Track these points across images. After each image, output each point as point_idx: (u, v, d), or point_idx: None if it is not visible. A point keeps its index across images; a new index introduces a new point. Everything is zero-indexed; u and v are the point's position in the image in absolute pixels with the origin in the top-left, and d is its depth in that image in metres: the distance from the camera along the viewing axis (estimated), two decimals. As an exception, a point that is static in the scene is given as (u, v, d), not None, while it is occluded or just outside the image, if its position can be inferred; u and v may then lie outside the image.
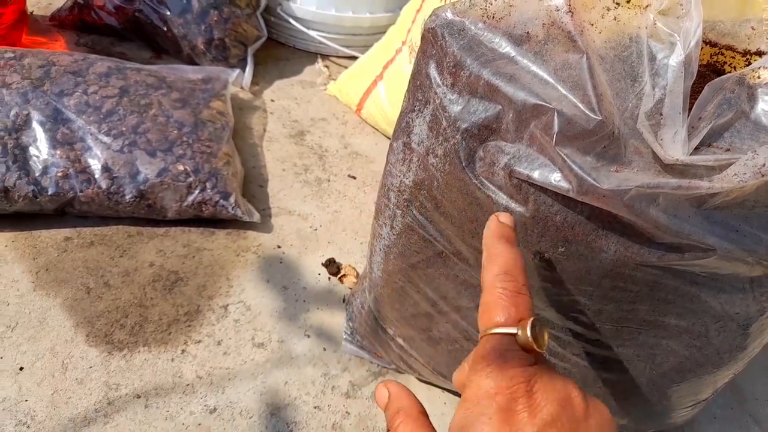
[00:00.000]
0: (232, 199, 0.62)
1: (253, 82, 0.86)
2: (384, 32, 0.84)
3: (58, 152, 0.58)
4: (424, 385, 0.54)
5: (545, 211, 0.32)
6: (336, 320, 0.57)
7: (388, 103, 0.75)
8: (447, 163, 0.36)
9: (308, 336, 0.56)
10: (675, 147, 0.30)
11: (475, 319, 0.41)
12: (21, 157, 0.58)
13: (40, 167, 0.57)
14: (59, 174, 0.58)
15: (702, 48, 0.38)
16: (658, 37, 0.31)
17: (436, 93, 0.36)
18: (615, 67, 0.32)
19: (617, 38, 0.32)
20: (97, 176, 0.58)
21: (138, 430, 0.46)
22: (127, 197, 0.59)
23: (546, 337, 0.26)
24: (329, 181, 0.73)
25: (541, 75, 0.32)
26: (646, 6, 0.32)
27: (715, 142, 0.31)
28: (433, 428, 0.27)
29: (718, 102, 0.31)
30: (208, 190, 0.61)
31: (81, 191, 0.58)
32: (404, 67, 0.72)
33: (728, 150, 0.31)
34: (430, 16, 0.36)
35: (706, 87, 0.31)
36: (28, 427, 0.46)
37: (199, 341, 0.53)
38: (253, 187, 0.70)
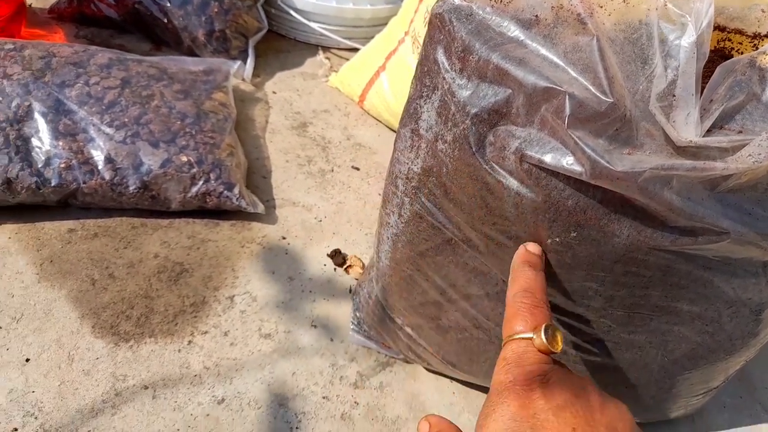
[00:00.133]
0: (236, 190, 0.61)
1: (255, 74, 0.86)
2: (385, 24, 0.83)
3: (61, 143, 0.58)
4: (432, 375, 0.53)
5: (557, 196, 0.32)
6: (342, 311, 0.57)
7: (391, 94, 0.74)
8: (456, 148, 0.35)
9: (315, 326, 0.55)
10: (688, 129, 0.29)
11: (485, 307, 0.41)
12: (23, 149, 0.57)
13: (43, 158, 0.57)
14: (62, 165, 0.57)
15: (711, 32, 0.38)
16: (669, 18, 0.30)
17: (444, 78, 0.36)
18: (625, 50, 0.32)
19: (627, 20, 0.32)
20: (100, 167, 0.58)
21: (146, 421, 0.46)
22: (131, 188, 0.59)
23: (559, 339, 0.29)
24: (333, 172, 0.73)
25: (551, 58, 0.32)
26: (658, -13, 0.31)
27: (726, 125, 0.31)
28: None
29: (729, 84, 0.31)
30: (212, 181, 0.61)
31: (84, 182, 0.58)
32: (407, 57, 0.71)
33: (740, 132, 0.31)
34: (437, 1, 0.36)
35: (717, 69, 0.30)
36: (36, 418, 0.45)
37: (206, 332, 0.53)
38: (257, 178, 0.70)
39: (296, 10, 0.90)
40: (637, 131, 0.31)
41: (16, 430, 0.44)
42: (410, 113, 0.39)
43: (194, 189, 0.60)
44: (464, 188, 0.36)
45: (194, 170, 0.60)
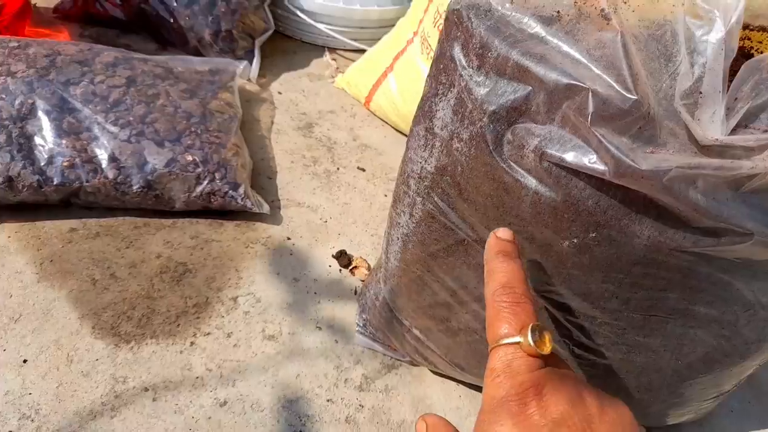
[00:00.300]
0: (241, 190, 0.61)
1: (260, 75, 0.85)
2: (392, 25, 0.83)
3: (64, 141, 0.57)
4: (438, 378, 0.52)
5: (577, 195, 0.31)
6: (348, 312, 0.56)
7: (398, 95, 0.74)
8: (473, 147, 0.35)
9: (320, 328, 0.54)
10: (714, 127, 0.29)
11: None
12: (26, 147, 0.56)
13: (46, 156, 0.56)
14: (65, 163, 0.56)
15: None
16: (696, 13, 0.30)
17: (461, 75, 0.35)
18: (649, 47, 0.31)
19: (651, 16, 0.32)
20: (104, 166, 0.57)
21: (146, 424, 0.45)
22: (135, 187, 0.58)
23: (548, 340, 0.28)
24: (338, 173, 0.72)
25: (573, 55, 0.31)
26: (684, -18, 0.31)
27: (752, 124, 0.30)
28: None
29: (754, 82, 0.30)
30: (217, 181, 0.60)
31: (87, 181, 0.57)
32: (416, 58, 0.71)
33: (766, 131, 0.30)
34: (453, -3, 0.35)
35: (742, 67, 0.30)
36: (32, 420, 0.44)
37: (209, 333, 0.52)
38: (262, 178, 0.69)
39: (303, 11, 0.90)
40: (660, 130, 0.30)
41: None
42: (424, 111, 0.39)
43: (199, 189, 0.59)
44: (479, 187, 0.35)
45: (199, 170, 0.59)
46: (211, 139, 0.62)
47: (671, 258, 0.32)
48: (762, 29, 0.36)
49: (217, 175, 0.60)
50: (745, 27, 0.37)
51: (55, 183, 0.56)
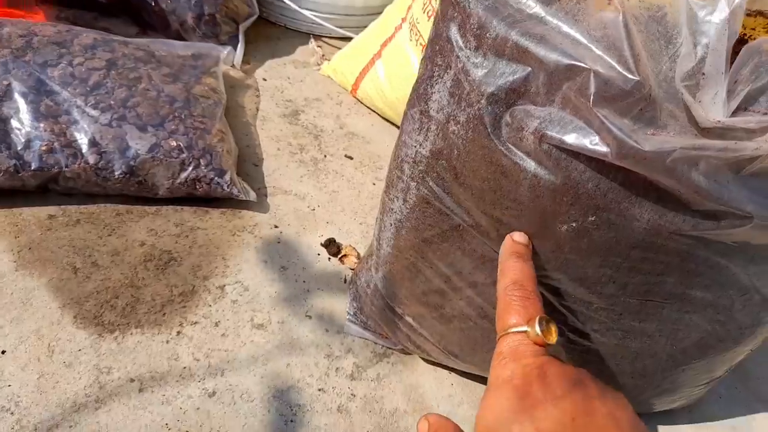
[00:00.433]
0: (227, 177, 0.59)
1: (245, 61, 0.83)
2: (378, 13, 0.82)
3: (42, 125, 0.55)
4: (430, 367, 0.52)
5: (577, 178, 0.31)
6: (337, 301, 0.55)
7: (386, 82, 0.73)
8: (470, 129, 0.34)
9: (309, 317, 0.54)
10: (716, 108, 0.29)
11: (491, 296, 0.40)
12: (2, 130, 0.54)
13: (23, 140, 0.54)
14: (43, 148, 0.54)
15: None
16: (699, -6, 0.29)
17: (458, 57, 0.34)
18: (649, 28, 0.31)
19: (652, -2, 0.31)
20: (84, 151, 0.55)
21: (133, 416, 0.44)
22: (117, 173, 0.56)
23: (554, 331, 0.30)
24: (326, 160, 0.71)
25: (573, 35, 0.30)
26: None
27: (751, 107, 0.30)
28: None
29: (754, 65, 0.30)
30: (203, 167, 0.58)
31: (67, 166, 0.55)
32: (404, 44, 0.70)
33: (766, 114, 0.30)
34: (450, -23, 0.35)
35: (743, 49, 0.29)
36: (12, 413, 0.43)
37: (196, 322, 0.51)
38: (248, 165, 0.67)
39: (287, -3, 0.88)
40: (660, 112, 0.30)
41: (-8, 425, 0.42)
42: (419, 94, 0.38)
43: (183, 175, 0.58)
44: (476, 171, 0.35)
45: (183, 155, 0.58)
46: (195, 124, 0.61)
47: (670, 241, 0.32)
48: (760, 14, 0.36)
49: (202, 161, 0.58)
50: (742, 11, 0.36)
51: (33, 168, 0.54)
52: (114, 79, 0.60)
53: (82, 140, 0.56)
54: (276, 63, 0.86)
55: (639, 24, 0.31)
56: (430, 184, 0.38)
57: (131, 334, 0.49)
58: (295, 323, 0.53)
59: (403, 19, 0.71)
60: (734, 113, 0.30)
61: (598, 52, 0.29)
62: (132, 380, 0.46)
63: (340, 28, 0.91)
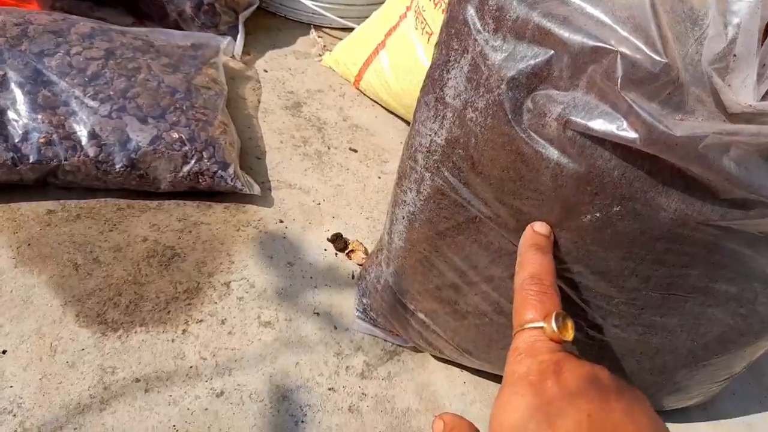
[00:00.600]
0: (231, 170, 0.58)
1: (245, 52, 0.81)
2: (379, 3, 0.80)
3: (40, 116, 0.53)
4: (441, 365, 0.51)
5: (602, 166, 0.30)
6: (346, 297, 0.54)
7: (391, 73, 0.71)
8: (489, 116, 0.33)
9: (317, 314, 0.52)
10: (746, 92, 0.27)
11: (508, 290, 0.39)
12: (-2, 123, 0.52)
13: (20, 133, 0.52)
14: (41, 140, 0.53)
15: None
16: (730, -28, 0.28)
17: (476, 40, 0.33)
18: (675, 9, 0.30)
19: (679, -23, 0.30)
20: (83, 143, 0.53)
21: (138, 417, 0.43)
22: (117, 166, 0.54)
23: (570, 327, 0.30)
24: (330, 153, 0.70)
25: (597, 16, 0.29)
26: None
27: (782, 90, 0.29)
28: None
29: (785, 48, 0.29)
30: (205, 160, 0.57)
31: (66, 159, 0.53)
32: (409, 33, 0.68)
33: (799, 98, 0.29)
34: (466, -43, 0.33)
35: (774, 31, 0.28)
36: (15, 415, 0.41)
37: (201, 320, 0.49)
38: (251, 159, 0.66)
39: (288, -13, 0.86)
40: (687, 96, 0.29)
41: (-7, 427, 0.40)
42: (434, 80, 0.36)
43: (186, 168, 0.56)
44: (495, 160, 0.33)
45: (186, 148, 0.56)
46: (197, 116, 0.59)
47: (697, 232, 0.31)
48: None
49: (205, 154, 0.57)
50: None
51: (31, 161, 0.52)
52: (113, 69, 0.58)
53: (82, 132, 0.54)
54: (276, 54, 0.85)
55: (664, 4, 0.29)
56: (446, 174, 0.37)
57: (135, 332, 0.48)
58: (303, 320, 0.52)
59: (408, 8, 0.69)
60: (764, 97, 0.29)
61: (624, 34, 0.28)
62: (137, 380, 0.45)
63: (342, 18, 0.89)
